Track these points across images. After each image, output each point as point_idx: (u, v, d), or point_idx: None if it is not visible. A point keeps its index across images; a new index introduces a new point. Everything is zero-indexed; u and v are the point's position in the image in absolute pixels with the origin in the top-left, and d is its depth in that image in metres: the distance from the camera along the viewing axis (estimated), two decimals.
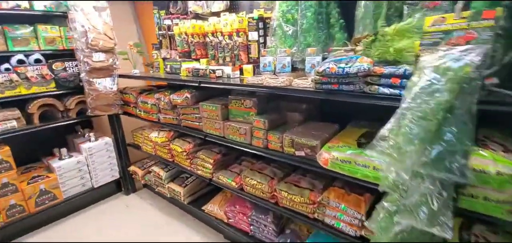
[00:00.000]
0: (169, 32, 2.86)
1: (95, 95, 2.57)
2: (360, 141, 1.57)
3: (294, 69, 1.83)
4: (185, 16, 2.83)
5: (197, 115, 2.21)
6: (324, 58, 1.62)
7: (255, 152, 1.86)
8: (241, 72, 2.17)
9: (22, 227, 2.34)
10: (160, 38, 3.00)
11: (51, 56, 2.51)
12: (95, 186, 2.81)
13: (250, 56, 2.22)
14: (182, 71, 2.41)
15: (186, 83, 2.23)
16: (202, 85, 2.03)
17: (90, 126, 3.18)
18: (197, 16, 2.73)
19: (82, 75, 2.51)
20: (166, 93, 2.42)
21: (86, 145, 2.71)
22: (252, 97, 1.92)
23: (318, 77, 1.39)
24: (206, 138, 2.15)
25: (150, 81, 3.37)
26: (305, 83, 1.53)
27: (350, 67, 1.27)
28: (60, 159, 2.59)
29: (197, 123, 2.23)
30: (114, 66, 2.66)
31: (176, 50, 2.80)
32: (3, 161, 2.14)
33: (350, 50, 1.46)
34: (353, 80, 1.32)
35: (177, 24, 2.69)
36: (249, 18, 2.12)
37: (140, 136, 2.91)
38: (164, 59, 2.93)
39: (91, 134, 2.81)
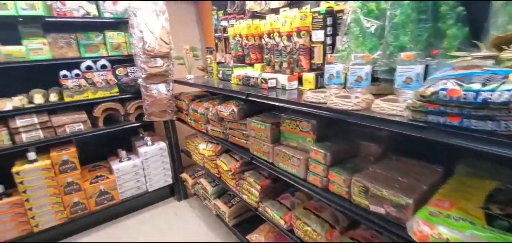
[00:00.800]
0: (225, 34, 2.63)
1: (150, 101, 2.55)
2: (488, 209, 0.93)
3: (374, 79, 1.29)
4: (242, 15, 2.54)
5: (244, 132, 1.88)
6: (427, 68, 1.03)
7: (309, 192, 1.40)
8: (300, 82, 1.73)
9: (83, 224, 2.51)
10: (216, 41, 2.81)
11: (116, 62, 2.60)
12: (149, 190, 2.83)
13: (312, 61, 1.76)
14: (233, 78, 2.12)
15: (232, 94, 1.91)
16: (249, 98, 1.68)
17: (152, 129, 3.27)
18: (254, 15, 2.40)
19: (139, 81, 2.51)
20: (215, 103, 2.18)
21: (142, 149, 2.75)
22: (312, 117, 1.46)
23: (421, 102, 0.84)
24: (253, 161, 1.80)
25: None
26: (393, 108, 0.99)
27: (493, 90, 0.69)
28: (120, 161, 2.68)
29: (244, 141, 1.90)
30: (169, 71, 2.58)
31: (231, 53, 2.55)
32: (69, 161, 2.29)
33: (486, 57, 0.84)
34: (494, 114, 0.72)
35: (232, 25, 2.43)
36: (314, 12, 1.65)
37: (192, 144, 2.79)
38: (218, 63, 2.73)
39: (148, 138, 2.84)
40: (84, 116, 2.42)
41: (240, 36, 2.30)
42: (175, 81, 2.69)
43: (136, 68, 2.64)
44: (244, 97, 1.71)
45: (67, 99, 2.32)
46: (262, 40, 2.10)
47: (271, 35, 1.98)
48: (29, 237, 2.19)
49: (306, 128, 1.45)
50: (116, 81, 2.58)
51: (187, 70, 2.77)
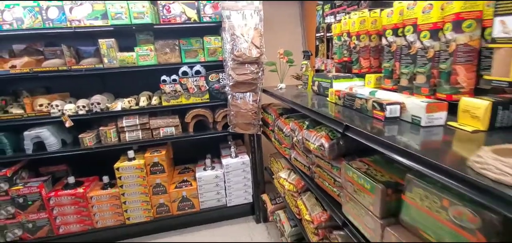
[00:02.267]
0: (328, 34, 2.02)
1: (235, 111, 2.30)
2: None
3: None
4: (355, 6, 1.85)
5: (337, 179, 1.24)
6: None
7: None
8: (452, 113, 0.95)
9: (165, 225, 2.57)
10: (317, 43, 2.24)
11: (211, 68, 2.51)
12: (228, 205, 2.62)
13: (486, 76, 0.93)
14: (331, 94, 1.51)
15: (323, 121, 1.30)
16: (347, 134, 1.04)
17: (241, 137, 3.08)
18: (374, 4, 1.67)
19: (226, 88, 2.30)
20: (303, 125, 1.63)
21: (225, 161, 2.56)
22: (483, 204, 0.67)
23: None
24: (345, 229, 1.14)
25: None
26: None
27: None
28: (204, 169, 2.59)
29: (336, 192, 1.26)
30: (257, 79, 2.24)
31: (334, 59, 1.92)
32: (159, 163, 2.36)
33: None
34: None
35: (339, 21, 1.80)
36: None
37: (275, 165, 2.35)
38: (317, 72, 2.15)
39: (233, 149, 2.63)
40: (176, 120, 2.45)
41: (348, 34, 1.64)
42: (264, 91, 2.33)
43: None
44: (340, 129, 1.08)
45: (164, 103, 2.40)
46: (383, 39, 1.38)
47: (400, 31, 1.24)
48: (122, 228, 2.40)
49: (469, 224, 0.67)
50: (208, 87, 2.48)
51: (279, 78, 2.34)
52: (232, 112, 2.32)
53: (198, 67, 2.48)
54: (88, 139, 2.23)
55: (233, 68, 2.20)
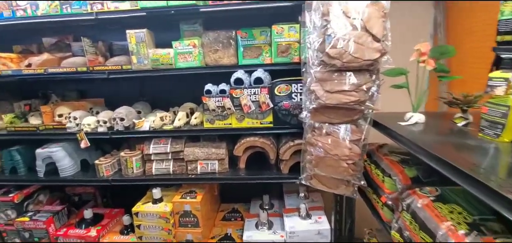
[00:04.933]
0: None
1: (316, 154, 1.20)
2: None
3: None
4: None
5: None
6: None
7: None
8: None
9: None
10: None
11: (278, 74, 1.49)
12: None
13: None
14: None
15: None
16: None
17: None
18: None
19: (304, 114, 1.23)
20: None
21: (289, 222, 1.52)
22: None
23: None
24: None
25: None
26: None
27: None
28: (256, 226, 1.60)
29: None
30: (366, 101, 1.08)
31: None
32: (191, 214, 1.50)
33: None
34: None
35: None
36: None
37: None
38: None
39: (303, 204, 1.55)
40: (221, 151, 1.53)
41: None
42: (375, 123, 1.15)
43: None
44: None
45: (206, 125, 1.52)
46: None
47: None
48: None
49: None
50: (272, 105, 1.46)
51: (412, 101, 1.13)
52: (309, 156, 1.23)
53: (259, 73, 1.49)
54: (105, 167, 1.54)
55: (320, 79, 1.10)
